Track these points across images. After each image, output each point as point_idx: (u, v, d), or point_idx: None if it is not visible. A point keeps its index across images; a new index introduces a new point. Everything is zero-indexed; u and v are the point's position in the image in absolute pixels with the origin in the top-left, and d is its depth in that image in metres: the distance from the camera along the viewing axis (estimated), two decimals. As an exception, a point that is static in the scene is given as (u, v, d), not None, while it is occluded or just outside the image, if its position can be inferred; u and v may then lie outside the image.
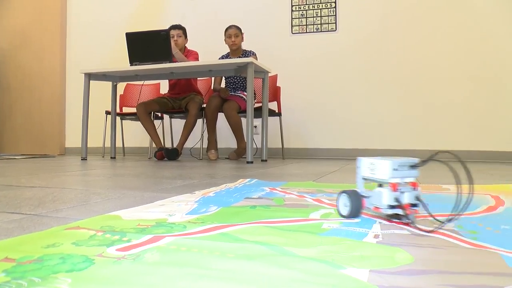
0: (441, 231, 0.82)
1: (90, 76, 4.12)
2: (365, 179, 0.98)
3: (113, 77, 4.25)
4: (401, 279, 0.53)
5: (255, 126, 4.87)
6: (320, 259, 0.62)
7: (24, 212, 1.03)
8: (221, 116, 4.24)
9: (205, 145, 4.30)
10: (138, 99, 4.70)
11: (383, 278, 0.54)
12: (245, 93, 4.26)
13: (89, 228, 0.83)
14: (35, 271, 0.55)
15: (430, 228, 0.85)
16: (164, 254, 0.64)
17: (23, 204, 1.16)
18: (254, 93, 4.33)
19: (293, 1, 4.93)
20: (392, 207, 0.89)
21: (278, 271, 0.56)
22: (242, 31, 4.30)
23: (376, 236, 0.78)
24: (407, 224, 0.90)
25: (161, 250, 0.66)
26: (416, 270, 0.57)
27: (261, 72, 3.83)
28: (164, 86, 5.00)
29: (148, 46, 3.82)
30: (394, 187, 0.89)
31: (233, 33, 4.20)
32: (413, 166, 0.90)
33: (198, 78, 4.62)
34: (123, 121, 5.06)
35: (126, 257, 0.62)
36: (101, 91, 5.34)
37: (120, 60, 5.39)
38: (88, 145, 4.69)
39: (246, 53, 4.28)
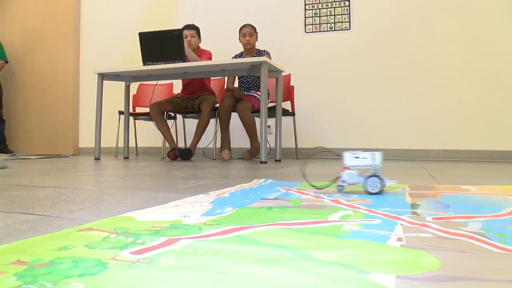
0: (467, 233, 0.79)
1: (103, 76, 4.13)
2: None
3: (126, 77, 4.26)
4: (430, 286, 0.50)
5: (269, 126, 4.84)
6: (343, 263, 0.59)
7: (37, 213, 1.01)
8: (234, 116, 4.22)
9: (218, 145, 4.28)
10: (151, 99, 4.71)
11: (411, 284, 0.51)
12: (258, 92, 4.23)
13: (102, 230, 0.81)
14: (47, 275, 0.53)
15: (454, 231, 0.81)
16: (179, 258, 0.62)
17: (36, 204, 1.15)
18: (268, 93, 4.30)
19: (306, 0, 4.89)
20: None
21: (299, 277, 0.53)
22: (257, 31, 4.28)
23: (399, 239, 0.74)
24: None
25: (177, 254, 0.64)
26: (445, 276, 0.54)
27: (274, 72, 3.81)
28: (177, 86, 5.00)
29: (161, 45, 3.81)
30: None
31: (248, 32, 4.18)
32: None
33: (211, 78, 4.61)
34: (136, 121, 5.07)
35: (140, 261, 0.60)
36: (114, 91, 5.35)
37: (133, 60, 5.40)
38: (102, 145, 4.71)
39: (260, 53, 4.25)
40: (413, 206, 1.13)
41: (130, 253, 0.64)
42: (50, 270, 0.55)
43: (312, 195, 1.33)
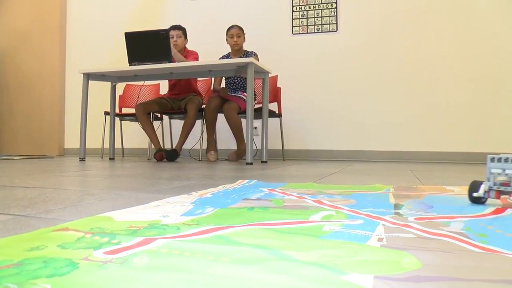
0: (448, 234, 0.78)
1: (89, 76, 4.09)
2: None
3: (112, 77, 4.22)
4: (408, 286, 0.49)
5: (255, 127, 4.83)
6: (321, 264, 0.58)
7: (12, 213, 0.98)
8: (221, 117, 4.20)
9: (204, 146, 4.25)
10: (137, 100, 4.67)
11: (389, 285, 0.50)
12: (245, 93, 4.22)
13: (78, 229, 0.79)
14: (13, 276, 0.51)
15: (436, 231, 0.80)
16: (154, 258, 0.60)
17: (13, 204, 1.12)
18: (254, 94, 4.29)
19: (293, 2, 4.89)
20: None
21: (275, 277, 0.52)
22: (244, 32, 4.27)
23: (380, 239, 0.73)
24: None
25: (151, 254, 0.62)
26: (425, 277, 0.53)
27: (261, 73, 3.80)
28: (163, 87, 4.97)
29: (147, 46, 3.78)
30: None
31: (235, 33, 4.17)
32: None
33: (198, 79, 4.58)
34: (122, 122, 5.02)
35: (113, 261, 0.58)
36: (101, 91, 5.30)
37: (120, 61, 5.36)
38: (87, 146, 4.66)
39: (248, 54, 4.24)
40: (396, 206, 1.12)
41: (103, 253, 0.63)
42: (17, 271, 0.53)
43: (295, 196, 1.31)
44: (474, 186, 1.19)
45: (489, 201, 1.24)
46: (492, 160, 1.16)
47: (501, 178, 1.14)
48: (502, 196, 1.13)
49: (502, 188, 1.13)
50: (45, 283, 0.49)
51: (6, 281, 0.49)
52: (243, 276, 0.52)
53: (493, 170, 1.16)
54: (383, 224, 0.87)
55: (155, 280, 0.50)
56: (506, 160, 1.13)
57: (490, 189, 1.16)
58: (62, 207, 1.09)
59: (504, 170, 1.13)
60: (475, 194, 1.17)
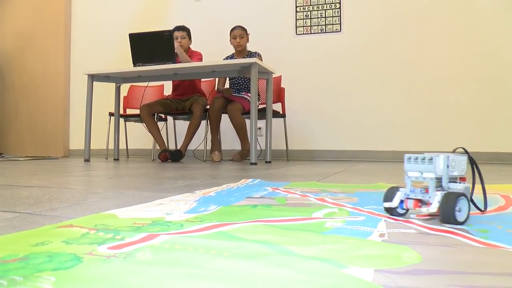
0: (450, 229, 0.79)
1: (93, 77, 4.10)
2: None
3: (116, 78, 4.24)
4: (408, 279, 0.50)
5: (259, 128, 4.83)
6: (322, 258, 0.58)
7: (18, 211, 1.00)
8: (225, 118, 4.20)
9: (208, 147, 4.26)
10: (142, 101, 4.68)
11: (389, 278, 0.50)
12: (249, 94, 4.22)
13: (83, 226, 0.80)
14: (19, 269, 0.52)
15: (437, 227, 0.81)
16: (156, 253, 0.61)
17: (19, 203, 1.13)
18: (258, 94, 4.29)
19: (297, 2, 4.90)
20: None
21: (276, 271, 0.52)
22: (248, 32, 4.27)
23: (381, 235, 0.74)
24: None
25: (154, 249, 0.63)
26: (424, 270, 0.54)
27: (265, 73, 3.80)
28: (168, 88, 4.98)
29: (151, 47, 3.79)
30: None
31: (238, 34, 4.17)
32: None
33: (201, 79, 4.59)
34: (126, 122, 5.04)
35: (116, 256, 0.59)
36: (106, 92, 5.32)
37: (124, 62, 5.37)
38: (92, 147, 4.67)
39: (252, 55, 4.24)
40: (399, 204, 1.12)
41: (107, 248, 0.63)
42: (23, 265, 0.54)
43: (299, 194, 1.32)
44: (389, 195, 0.94)
45: (491, 199, 1.23)
46: (409, 160, 0.93)
47: (423, 184, 0.94)
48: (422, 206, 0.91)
49: (420, 196, 0.91)
50: (50, 276, 0.50)
51: (12, 274, 0.50)
52: (244, 270, 0.53)
53: (410, 173, 0.93)
54: (385, 221, 0.88)
55: (157, 274, 0.51)
56: (423, 160, 0.90)
57: (407, 197, 0.92)
58: (66, 205, 1.10)
59: (421, 173, 0.91)
60: (386, 205, 0.92)
